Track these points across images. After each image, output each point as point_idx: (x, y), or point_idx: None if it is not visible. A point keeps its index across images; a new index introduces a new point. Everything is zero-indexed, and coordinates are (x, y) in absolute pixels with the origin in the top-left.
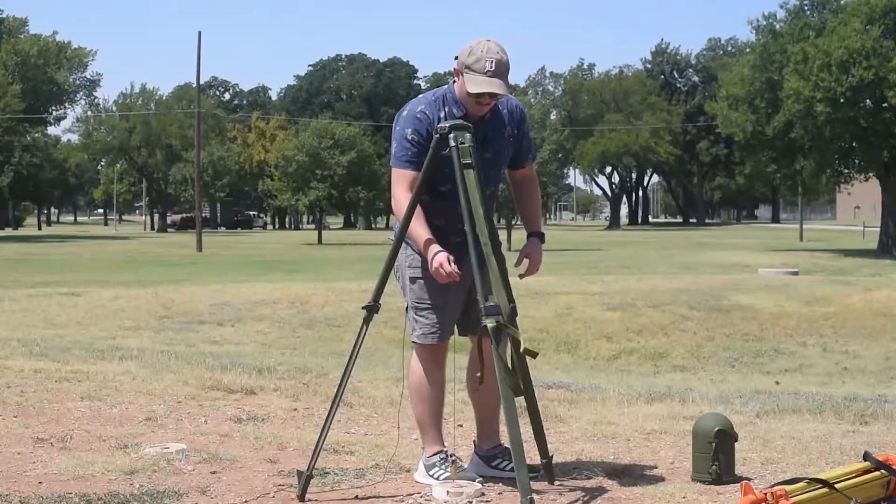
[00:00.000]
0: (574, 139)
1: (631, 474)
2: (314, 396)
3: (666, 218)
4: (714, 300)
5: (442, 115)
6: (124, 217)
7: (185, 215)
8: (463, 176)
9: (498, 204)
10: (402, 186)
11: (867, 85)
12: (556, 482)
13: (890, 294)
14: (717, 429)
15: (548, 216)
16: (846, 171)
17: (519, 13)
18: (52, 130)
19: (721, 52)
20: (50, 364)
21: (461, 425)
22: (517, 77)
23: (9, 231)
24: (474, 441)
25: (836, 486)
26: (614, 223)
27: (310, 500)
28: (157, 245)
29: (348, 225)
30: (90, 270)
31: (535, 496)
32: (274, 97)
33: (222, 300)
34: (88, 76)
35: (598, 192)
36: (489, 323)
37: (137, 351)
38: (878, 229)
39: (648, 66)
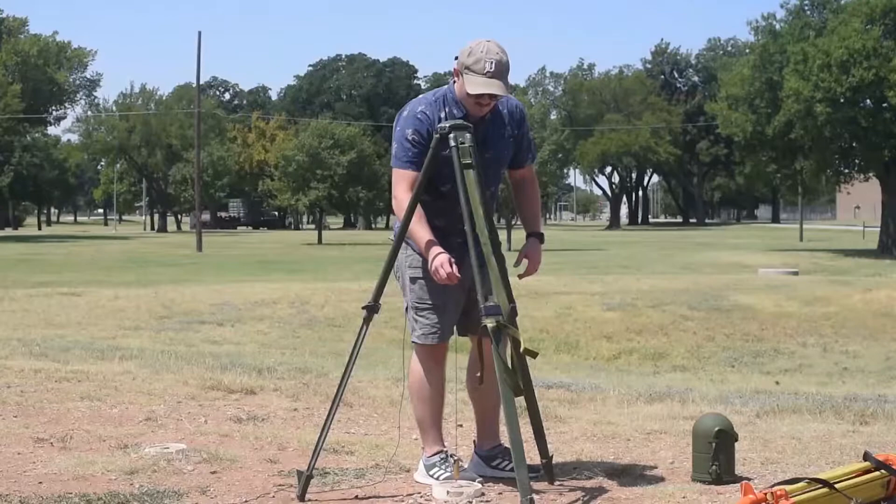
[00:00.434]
0: (574, 139)
1: (631, 474)
2: (314, 396)
3: (666, 218)
4: (714, 300)
5: (442, 115)
6: (124, 217)
7: (216, 214)
8: (463, 176)
9: (498, 204)
10: (402, 187)
11: (867, 85)
12: (556, 482)
13: (890, 294)
14: (717, 429)
15: (548, 216)
16: (846, 171)
17: (519, 13)
18: (52, 130)
19: (721, 52)
20: (50, 364)
21: (461, 425)
22: (517, 77)
23: (9, 231)
24: (474, 441)
25: (836, 486)
26: (614, 223)
27: (310, 500)
28: (158, 245)
29: (348, 225)
30: (90, 270)
31: (535, 496)
32: (274, 97)
33: (222, 300)
34: (88, 76)
35: (598, 192)
36: (489, 323)
37: (137, 351)
38: (878, 229)
39: (648, 66)
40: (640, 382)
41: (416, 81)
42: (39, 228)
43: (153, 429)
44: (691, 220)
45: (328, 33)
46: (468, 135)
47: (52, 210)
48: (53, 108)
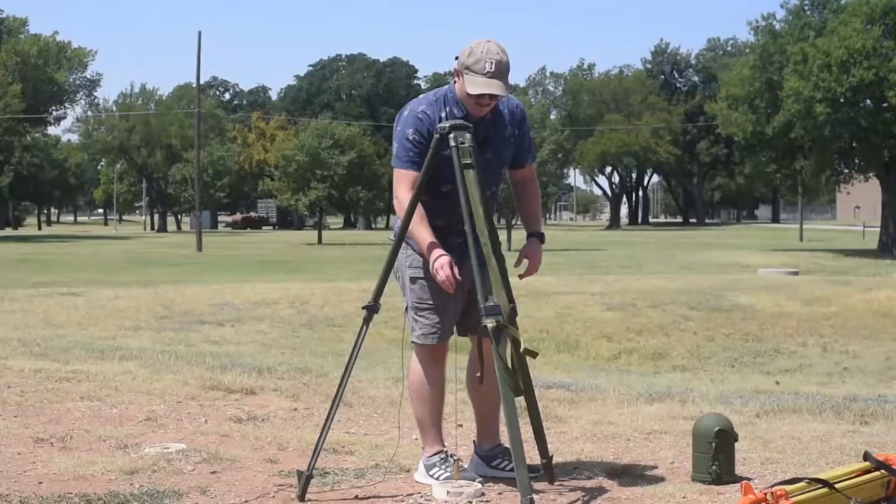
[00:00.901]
0: (574, 139)
1: (631, 474)
2: (314, 396)
3: (666, 218)
4: (714, 300)
5: (443, 115)
6: (124, 217)
7: (245, 214)
8: (463, 176)
9: (498, 204)
10: (403, 187)
11: (867, 85)
12: (556, 482)
13: (890, 294)
14: (717, 429)
15: (548, 216)
16: (846, 171)
17: (519, 13)
18: (52, 130)
19: (721, 52)
20: (50, 364)
21: (461, 425)
22: (517, 77)
23: (9, 231)
24: (474, 441)
25: (836, 486)
26: (614, 223)
27: (310, 500)
28: (158, 245)
29: (348, 225)
30: (90, 270)
31: (535, 496)
32: (274, 97)
33: (222, 300)
34: (88, 76)
35: (598, 192)
36: (489, 323)
37: (137, 351)
38: (878, 229)
39: (648, 66)
40: (640, 382)
41: (416, 81)
42: (39, 228)
43: (153, 429)
44: (691, 220)
45: (328, 33)
46: (468, 135)
47: (52, 210)
48: (53, 108)
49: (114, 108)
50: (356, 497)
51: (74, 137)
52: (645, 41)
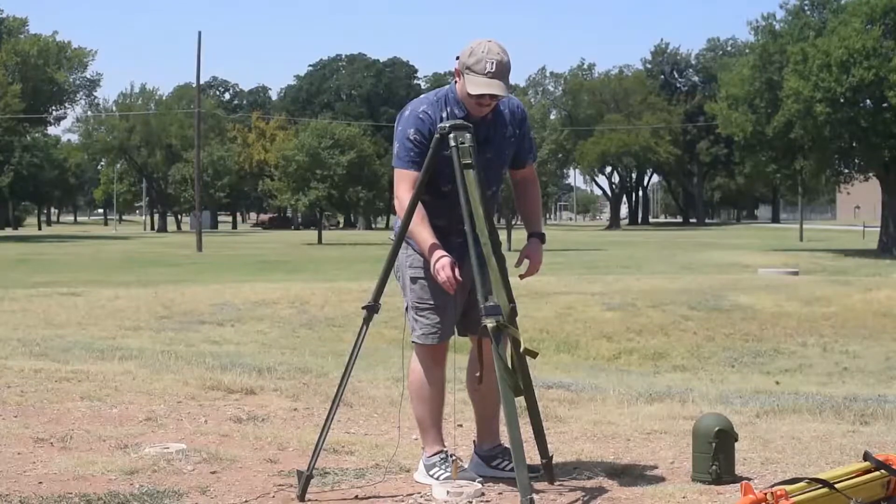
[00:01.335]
0: (574, 139)
1: (631, 474)
2: (314, 396)
3: (666, 218)
4: (714, 300)
5: (444, 115)
6: (124, 217)
7: (273, 215)
8: (463, 176)
9: (498, 204)
10: (404, 187)
11: (867, 85)
12: (556, 482)
13: (890, 294)
14: (717, 429)
15: (548, 216)
16: (846, 171)
17: (519, 13)
18: (52, 130)
19: (721, 52)
20: (50, 364)
21: (461, 425)
22: (517, 77)
23: (9, 231)
24: (474, 441)
25: (836, 486)
26: (614, 223)
27: (310, 500)
28: (157, 245)
29: (348, 225)
30: (90, 270)
31: (535, 496)
32: (274, 97)
33: (222, 300)
34: (88, 76)
35: (598, 192)
36: (489, 323)
37: (137, 351)
38: (878, 229)
39: (648, 66)
40: (640, 382)
41: (416, 81)
42: (39, 228)
43: (153, 429)
44: (691, 220)
45: (328, 33)
46: (468, 135)
47: (52, 210)
48: (53, 108)
49: (114, 108)
50: (356, 497)
51: (74, 137)
52: (645, 41)
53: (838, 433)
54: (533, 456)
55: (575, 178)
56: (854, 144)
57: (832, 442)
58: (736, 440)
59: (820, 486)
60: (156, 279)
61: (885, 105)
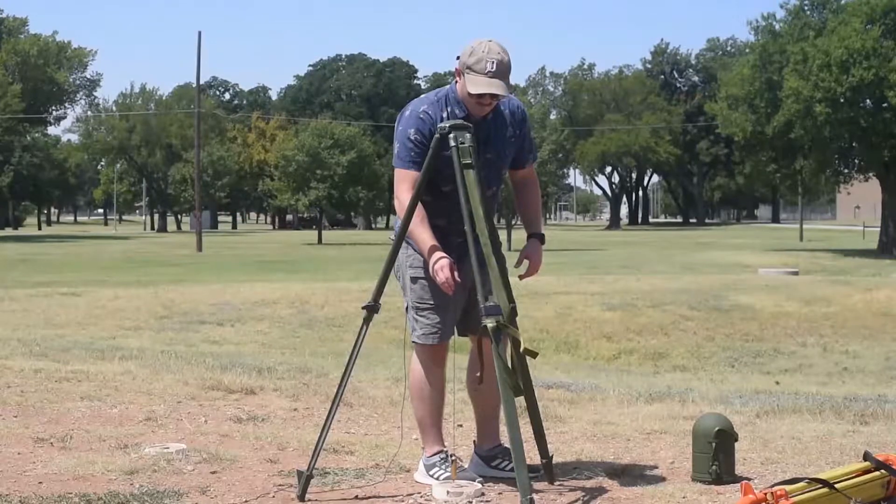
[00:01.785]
0: (574, 139)
1: (631, 474)
2: (314, 396)
3: (666, 218)
4: (714, 300)
5: (444, 115)
6: (124, 217)
7: (300, 214)
8: (463, 176)
9: (498, 204)
10: (405, 187)
11: (867, 85)
12: (556, 482)
13: (890, 294)
14: (717, 429)
15: (548, 216)
16: (846, 171)
17: (519, 13)
18: (52, 130)
19: (721, 52)
20: (50, 364)
21: (461, 425)
22: (517, 77)
23: (9, 231)
24: (474, 441)
25: (836, 486)
26: (614, 223)
27: (310, 500)
28: (157, 245)
29: (348, 225)
30: (90, 270)
31: (535, 496)
32: (274, 97)
33: (222, 300)
34: (88, 76)
35: (598, 192)
36: (489, 323)
37: (137, 351)
38: (878, 229)
39: (648, 66)
40: (640, 382)
41: (416, 81)
42: (39, 228)
43: (153, 429)
44: (691, 220)
45: (328, 33)
46: (468, 135)
47: (52, 210)
48: (53, 108)
49: (114, 108)
50: (356, 497)
51: (74, 137)
52: (645, 41)
53: (838, 433)
54: (533, 456)
55: (575, 178)
56: (854, 144)
57: (832, 442)
58: (736, 440)
59: (820, 486)
60: (156, 279)
61: (884, 105)
